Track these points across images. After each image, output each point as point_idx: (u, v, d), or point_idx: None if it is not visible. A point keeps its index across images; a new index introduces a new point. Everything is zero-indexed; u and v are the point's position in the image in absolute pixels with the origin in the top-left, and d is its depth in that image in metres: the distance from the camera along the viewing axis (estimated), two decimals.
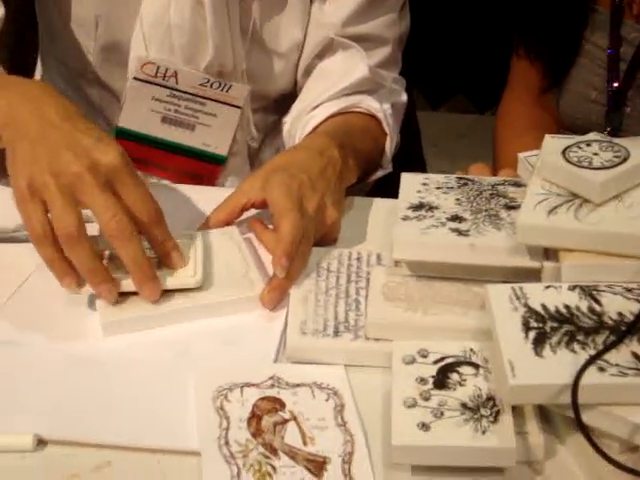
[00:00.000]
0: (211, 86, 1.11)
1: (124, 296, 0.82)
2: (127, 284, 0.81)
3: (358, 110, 1.14)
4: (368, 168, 1.12)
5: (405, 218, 0.84)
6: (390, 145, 1.16)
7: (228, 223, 0.94)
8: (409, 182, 0.92)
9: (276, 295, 0.84)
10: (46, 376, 0.77)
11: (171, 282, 0.82)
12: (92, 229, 0.80)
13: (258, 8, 1.12)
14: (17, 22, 1.10)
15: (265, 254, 0.91)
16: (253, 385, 0.75)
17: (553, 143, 0.84)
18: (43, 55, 1.26)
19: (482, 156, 1.35)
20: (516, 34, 1.27)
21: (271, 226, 0.94)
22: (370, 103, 1.14)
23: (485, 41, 1.34)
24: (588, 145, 0.82)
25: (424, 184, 0.91)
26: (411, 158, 1.24)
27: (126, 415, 0.73)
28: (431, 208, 0.86)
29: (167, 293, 0.83)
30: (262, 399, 0.74)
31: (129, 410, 0.74)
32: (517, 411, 0.69)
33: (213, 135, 1.15)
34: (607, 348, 0.66)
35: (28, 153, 0.80)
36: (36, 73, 1.29)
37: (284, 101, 1.23)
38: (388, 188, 1.20)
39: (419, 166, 1.55)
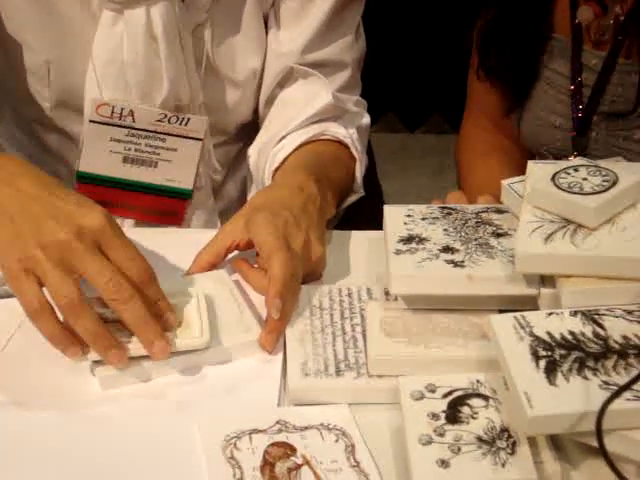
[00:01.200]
0: (169, 121, 1.10)
1: None
2: (136, 349, 0.79)
3: (325, 138, 1.14)
4: (342, 195, 1.12)
5: (398, 252, 0.84)
6: (360, 169, 1.16)
7: (214, 266, 0.93)
8: (393, 214, 0.92)
9: (274, 337, 0.83)
10: (45, 438, 0.75)
11: (179, 344, 0.80)
12: None
13: (210, 36, 1.11)
14: None
15: (255, 295, 0.90)
16: (261, 431, 0.74)
17: (539, 169, 0.85)
18: None
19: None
20: (474, 57, 1.28)
21: (256, 265, 0.93)
22: (336, 129, 1.14)
23: (457, 59, 1.35)
24: (576, 170, 0.83)
25: (408, 215, 0.91)
26: (366, 181, 1.24)
27: (133, 474, 0.71)
28: (421, 240, 0.86)
29: None
30: (272, 445, 0.73)
31: (136, 468, 0.72)
32: (530, 440, 0.70)
33: (176, 170, 1.14)
34: (635, 380, 0.66)
35: (9, 229, 0.78)
36: None
37: (245, 132, 1.23)
38: (352, 216, 1.22)
39: (374, 188, 1.55)
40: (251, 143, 1.24)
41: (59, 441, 0.74)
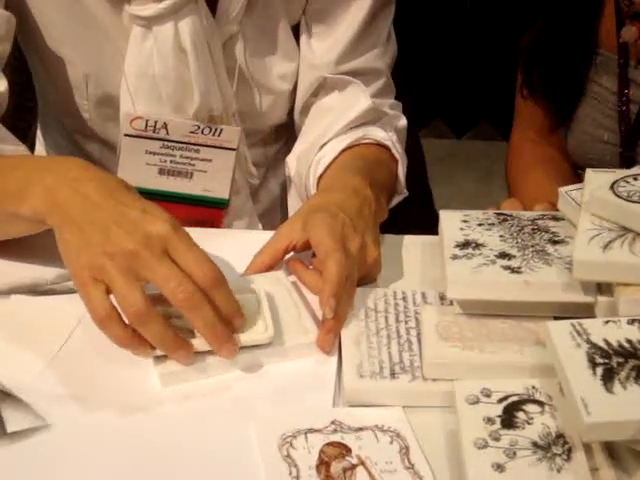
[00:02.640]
0: (202, 132, 1.12)
1: None
2: (200, 343, 0.80)
3: (366, 141, 1.15)
4: (389, 197, 1.13)
5: (454, 257, 0.84)
6: (402, 170, 1.17)
7: (271, 267, 0.94)
8: (449, 220, 0.92)
9: (331, 337, 0.84)
10: (103, 433, 0.76)
11: (244, 339, 0.81)
12: None
13: (242, 47, 1.13)
14: (15, 86, 1.10)
15: (311, 297, 0.91)
16: (316, 431, 0.75)
17: (597, 177, 0.85)
18: (42, 115, 1.27)
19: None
20: (519, 75, 1.28)
21: (311, 266, 0.94)
22: (376, 133, 1.15)
23: (507, 68, 1.35)
24: (635, 179, 0.83)
25: (465, 221, 0.92)
26: (416, 185, 1.25)
27: (190, 469, 0.73)
28: (477, 245, 0.86)
29: None
30: (328, 445, 0.74)
31: (193, 465, 0.73)
32: (586, 447, 0.70)
33: (211, 180, 1.15)
34: None
35: (78, 238, 0.79)
36: (37, 132, 1.30)
37: (282, 132, 1.25)
38: (404, 219, 1.22)
39: (424, 193, 1.56)
40: (289, 141, 1.25)
41: (117, 436, 0.76)
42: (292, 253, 0.96)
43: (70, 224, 0.80)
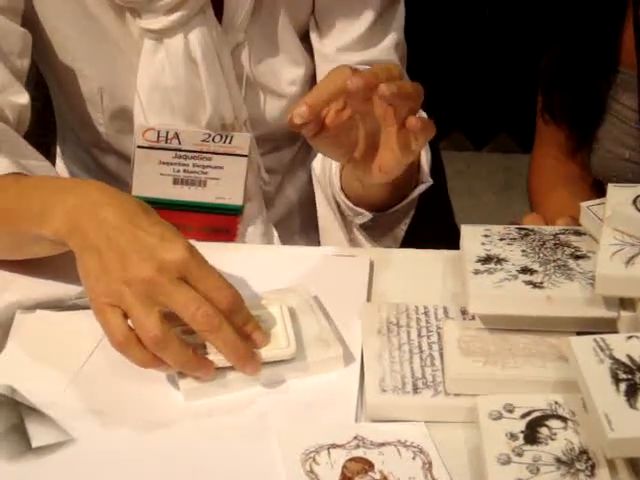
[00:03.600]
0: (213, 140, 1.13)
1: None
2: (220, 360, 0.81)
3: None
4: (411, 182, 1.12)
5: (476, 272, 0.85)
6: (426, 158, 1.15)
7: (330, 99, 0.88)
8: (471, 234, 0.92)
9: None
10: (129, 446, 0.77)
11: (266, 355, 0.82)
12: None
13: (248, 54, 1.14)
14: (35, 102, 1.12)
15: (334, 312, 0.91)
16: (339, 446, 0.75)
17: (619, 193, 0.85)
18: (60, 129, 1.29)
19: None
20: (539, 98, 1.28)
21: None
22: None
23: (526, 80, 1.35)
24: None
25: (486, 236, 0.92)
26: (436, 198, 1.25)
27: None
28: (499, 260, 0.86)
29: None
30: (350, 460, 0.74)
31: (218, 477, 0.74)
32: (609, 463, 0.69)
33: (225, 187, 1.16)
34: None
35: (96, 263, 0.80)
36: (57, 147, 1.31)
37: (296, 137, 1.25)
38: (424, 232, 1.22)
39: (444, 205, 1.56)
40: (305, 148, 1.26)
41: (140, 451, 0.76)
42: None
43: (89, 249, 0.81)
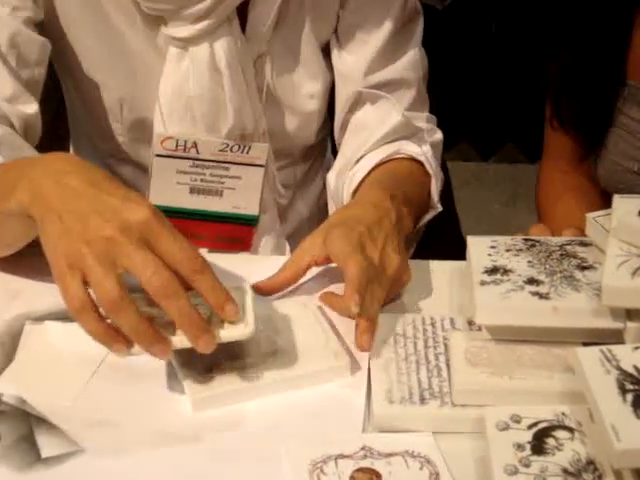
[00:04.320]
0: (231, 150, 1.13)
1: (211, 372, 0.82)
2: (179, 340, 0.78)
3: (400, 156, 1.16)
4: (419, 212, 1.14)
5: (483, 283, 0.85)
6: (436, 185, 1.17)
7: (294, 282, 0.95)
8: (477, 245, 0.93)
9: (368, 336, 0.86)
10: (138, 456, 0.77)
11: (224, 335, 0.79)
12: None
13: (270, 66, 1.15)
14: (45, 115, 1.12)
15: (339, 322, 0.92)
16: (346, 456, 0.76)
17: (625, 203, 0.86)
18: (74, 140, 1.29)
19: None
20: (547, 106, 1.28)
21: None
22: (410, 148, 1.17)
23: (532, 90, 1.36)
24: None
25: (492, 247, 0.92)
26: (442, 209, 1.25)
27: None
28: (506, 271, 0.87)
29: (254, 367, 0.83)
30: (358, 471, 0.74)
31: None
32: (616, 474, 0.70)
33: (241, 197, 1.17)
34: None
35: (57, 226, 0.78)
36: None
37: (310, 154, 1.26)
38: (431, 243, 1.23)
39: (451, 216, 1.56)
40: (317, 163, 1.26)
41: (149, 461, 0.76)
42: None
43: (50, 213, 0.80)
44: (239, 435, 0.79)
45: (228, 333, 0.80)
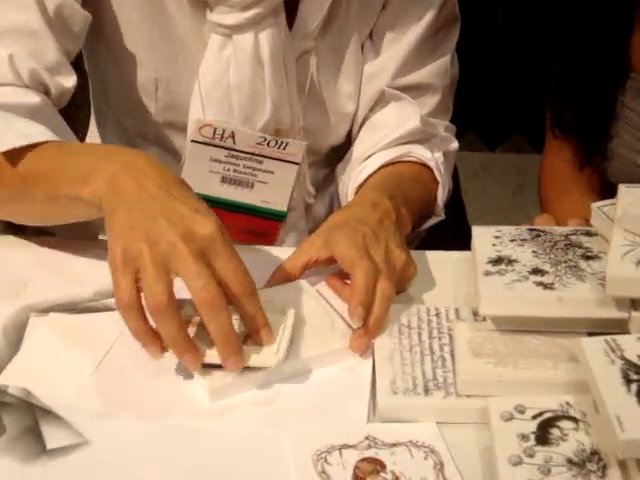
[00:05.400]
0: (268, 144, 1.12)
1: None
2: (211, 355, 0.81)
3: (409, 159, 1.16)
4: (421, 215, 1.14)
5: (487, 273, 0.85)
6: (442, 193, 1.17)
7: (290, 282, 0.95)
8: (482, 236, 0.93)
9: (364, 341, 0.86)
10: (143, 447, 0.77)
11: (253, 360, 0.82)
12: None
13: (315, 64, 1.13)
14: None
15: (338, 303, 0.93)
16: (350, 447, 0.76)
17: (630, 193, 0.86)
18: (101, 117, 1.27)
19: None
20: (547, 113, 1.28)
21: (348, 281, 0.95)
22: (422, 152, 1.16)
23: (539, 81, 1.35)
24: None
25: (497, 237, 0.92)
26: (449, 199, 1.25)
27: None
28: (510, 262, 0.87)
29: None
30: (362, 460, 0.74)
31: (230, 478, 0.74)
32: (621, 464, 0.70)
33: (271, 192, 1.16)
34: None
35: (125, 221, 0.81)
36: (88, 135, 1.30)
37: (334, 154, 1.25)
38: (436, 234, 1.23)
39: (457, 207, 1.56)
40: (336, 166, 1.26)
41: (155, 452, 0.77)
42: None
43: (121, 207, 0.82)
44: (243, 425, 0.79)
45: (256, 358, 0.82)
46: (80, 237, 1.03)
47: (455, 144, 1.23)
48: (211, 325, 0.79)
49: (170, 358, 0.81)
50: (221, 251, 0.80)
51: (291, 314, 0.87)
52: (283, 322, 0.85)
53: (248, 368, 0.82)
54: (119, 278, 0.79)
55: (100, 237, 1.17)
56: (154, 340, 0.80)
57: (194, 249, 0.78)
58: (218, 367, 0.81)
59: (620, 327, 0.80)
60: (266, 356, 0.82)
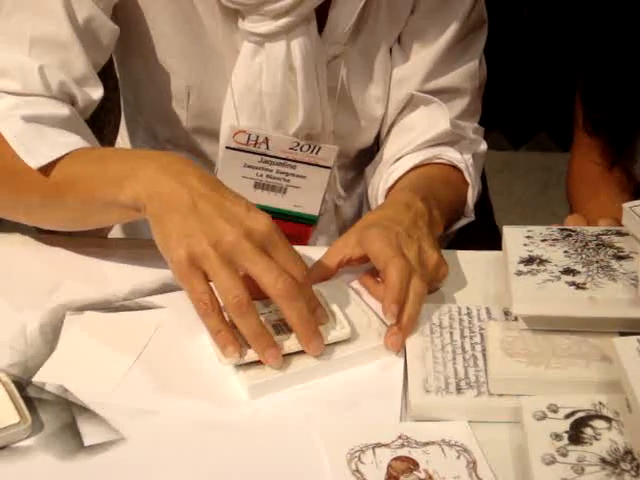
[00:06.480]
0: (301, 149, 1.13)
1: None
2: (289, 345, 0.83)
3: (439, 161, 1.16)
4: (451, 217, 1.14)
5: (519, 273, 0.85)
6: (472, 194, 1.18)
7: (325, 280, 0.96)
8: (513, 235, 0.93)
9: (399, 338, 0.86)
10: (178, 444, 0.78)
11: (327, 336, 0.84)
12: None
13: (345, 69, 1.14)
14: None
15: (374, 301, 0.94)
16: (384, 445, 0.76)
17: None
18: (128, 125, 1.28)
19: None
20: (578, 110, 1.27)
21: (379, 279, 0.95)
22: (451, 154, 1.16)
23: (564, 79, 1.35)
24: None
25: (528, 237, 0.92)
26: (477, 200, 1.25)
27: None
28: (542, 262, 0.87)
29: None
30: (395, 459, 0.75)
31: (265, 476, 0.75)
32: None
33: (304, 196, 1.17)
34: None
35: (181, 226, 0.82)
36: (118, 141, 1.31)
37: (363, 157, 1.26)
38: (465, 232, 1.23)
39: (485, 206, 1.56)
40: (365, 167, 1.26)
41: (190, 449, 0.78)
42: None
43: (172, 212, 0.83)
44: (278, 423, 0.80)
45: (330, 335, 0.85)
46: (89, 235, 1.03)
47: (484, 146, 1.23)
48: (292, 313, 0.82)
49: (240, 362, 0.83)
50: (279, 244, 0.83)
51: (325, 295, 0.90)
52: (324, 302, 0.89)
53: (285, 366, 0.83)
54: (193, 284, 0.81)
55: (110, 236, 1.19)
56: (233, 340, 0.82)
57: (257, 245, 0.81)
58: (257, 364, 0.83)
59: None
60: (337, 332, 0.85)
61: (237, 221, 0.82)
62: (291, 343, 0.84)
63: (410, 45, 1.16)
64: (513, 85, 2.94)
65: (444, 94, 1.17)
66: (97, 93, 1.04)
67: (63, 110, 0.98)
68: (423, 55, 1.16)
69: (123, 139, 1.29)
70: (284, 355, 0.83)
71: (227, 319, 0.82)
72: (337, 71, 1.14)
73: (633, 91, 1.18)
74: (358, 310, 0.91)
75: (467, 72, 1.18)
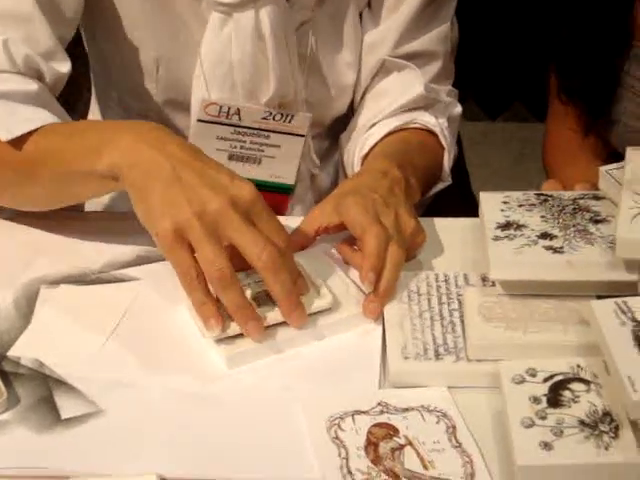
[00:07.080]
0: (273, 118, 1.12)
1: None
2: (272, 317, 0.83)
3: (414, 126, 1.15)
4: (428, 182, 1.13)
5: (496, 238, 0.85)
6: (448, 158, 1.17)
7: (304, 248, 0.96)
8: (490, 201, 0.93)
9: (377, 305, 0.86)
10: (156, 415, 0.78)
11: (309, 307, 0.84)
12: None
13: (313, 37, 1.13)
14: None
15: (352, 270, 0.93)
16: (363, 412, 0.76)
17: (638, 155, 0.85)
18: (99, 97, 1.27)
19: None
20: (552, 79, 1.27)
21: (356, 247, 0.95)
22: (426, 119, 1.16)
23: (539, 49, 1.34)
24: None
25: (505, 202, 0.92)
26: (453, 168, 1.25)
27: (243, 450, 0.74)
28: (519, 226, 0.87)
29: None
30: (375, 426, 0.75)
31: (245, 445, 0.75)
32: (633, 425, 0.70)
33: (279, 166, 1.16)
34: None
35: (163, 198, 0.81)
36: (89, 117, 1.30)
37: (337, 125, 1.25)
38: (441, 202, 1.23)
39: (461, 175, 1.56)
40: (340, 135, 1.26)
41: (168, 420, 0.77)
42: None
43: (154, 183, 0.82)
44: (257, 392, 0.80)
45: (310, 305, 0.84)
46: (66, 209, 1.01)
47: (459, 108, 1.22)
48: (277, 287, 0.81)
49: (221, 336, 0.82)
50: (263, 213, 0.82)
51: (303, 263, 0.89)
52: (304, 272, 0.88)
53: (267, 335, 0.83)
54: (178, 256, 0.80)
55: (86, 209, 1.17)
56: (216, 313, 0.81)
57: (242, 215, 0.80)
58: (238, 336, 0.82)
59: (630, 289, 0.80)
60: (318, 301, 0.85)
61: (222, 189, 0.81)
62: (273, 315, 0.83)
63: (380, 9, 1.15)
64: (489, 56, 2.94)
65: (417, 58, 1.16)
66: (65, 67, 1.02)
67: (31, 85, 0.97)
68: (394, 19, 1.14)
69: (94, 115, 1.27)
70: (266, 327, 0.83)
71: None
72: (306, 37, 1.12)
73: (606, 58, 1.19)
74: (336, 279, 0.90)
75: (439, 35, 1.17)
